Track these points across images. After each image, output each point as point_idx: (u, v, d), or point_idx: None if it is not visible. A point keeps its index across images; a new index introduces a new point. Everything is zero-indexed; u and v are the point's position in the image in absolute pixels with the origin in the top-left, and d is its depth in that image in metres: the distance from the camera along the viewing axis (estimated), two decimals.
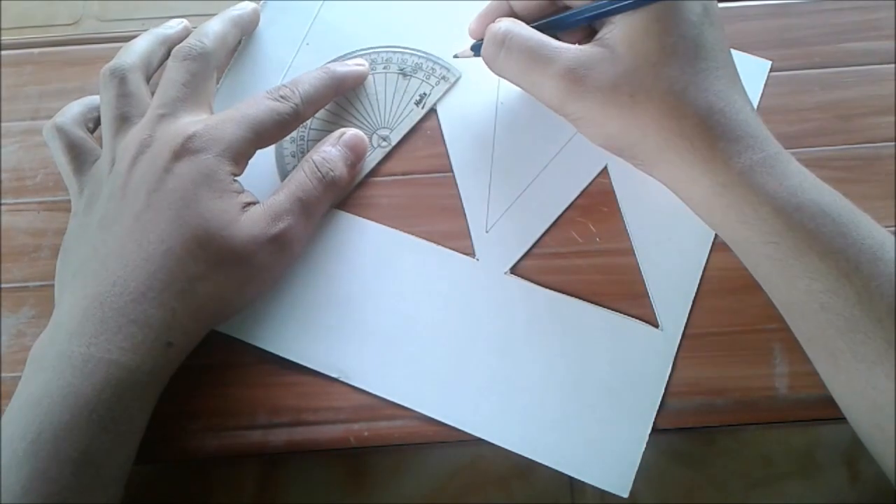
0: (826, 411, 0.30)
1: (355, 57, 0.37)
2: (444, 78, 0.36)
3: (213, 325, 0.31)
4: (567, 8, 0.32)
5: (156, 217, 0.29)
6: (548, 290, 0.33)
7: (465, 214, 0.34)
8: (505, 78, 0.33)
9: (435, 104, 0.36)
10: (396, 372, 0.32)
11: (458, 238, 0.34)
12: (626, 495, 0.30)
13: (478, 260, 0.34)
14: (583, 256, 0.34)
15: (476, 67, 0.36)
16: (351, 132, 0.34)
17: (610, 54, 0.29)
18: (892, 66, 0.37)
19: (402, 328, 0.33)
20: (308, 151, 0.35)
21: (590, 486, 0.30)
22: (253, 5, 0.37)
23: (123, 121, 0.32)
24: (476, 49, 0.34)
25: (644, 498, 0.31)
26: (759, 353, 0.32)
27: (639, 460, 0.30)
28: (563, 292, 0.33)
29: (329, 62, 0.36)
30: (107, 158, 0.31)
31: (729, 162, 0.28)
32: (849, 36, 0.37)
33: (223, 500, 0.37)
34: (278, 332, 0.32)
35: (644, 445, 0.31)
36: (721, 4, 0.38)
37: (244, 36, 0.37)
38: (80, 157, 0.32)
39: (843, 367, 0.27)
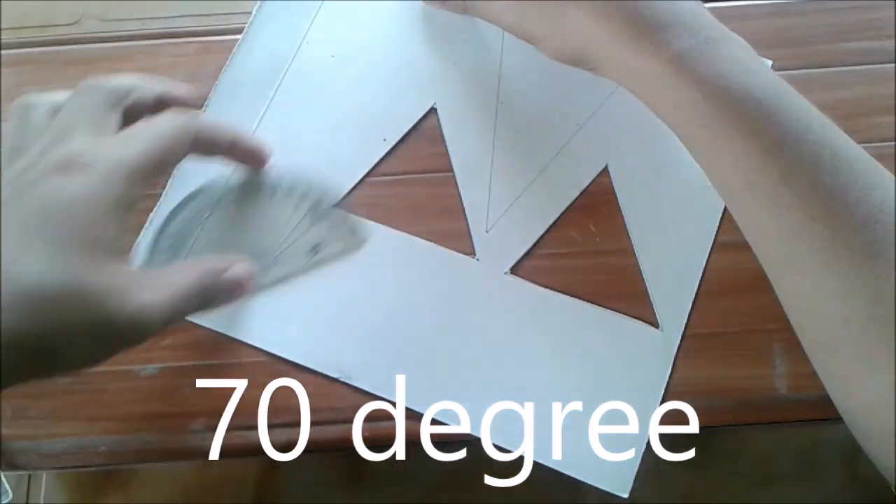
0: (826, 411, 0.30)
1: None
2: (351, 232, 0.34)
3: None
4: None
5: None
6: (548, 291, 0.33)
7: (465, 214, 0.34)
8: (458, 10, 0.36)
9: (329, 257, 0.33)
10: (396, 372, 0.32)
11: (458, 238, 0.34)
12: (626, 495, 0.30)
13: (478, 260, 0.34)
14: (583, 256, 0.34)
15: (475, 67, 0.36)
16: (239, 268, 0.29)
17: None
18: (892, 66, 0.37)
19: (402, 328, 0.33)
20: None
21: (590, 486, 0.30)
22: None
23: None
24: None
25: (644, 498, 0.31)
26: (759, 353, 0.32)
27: (639, 460, 0.30)
28: (564, 292, 0.33)
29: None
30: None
31: (659, 52, 0.28)
32: (849, 36, 0.37)
33: (223, 500, 0.37)
34: (279, 332, 0.32)
35: (645, 445, 0.31)
36: (721, 4, 0.38)
37: None
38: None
39: (769, 241, 0.28)
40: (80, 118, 0.27)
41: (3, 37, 0.39)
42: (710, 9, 0.38)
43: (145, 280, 0.26)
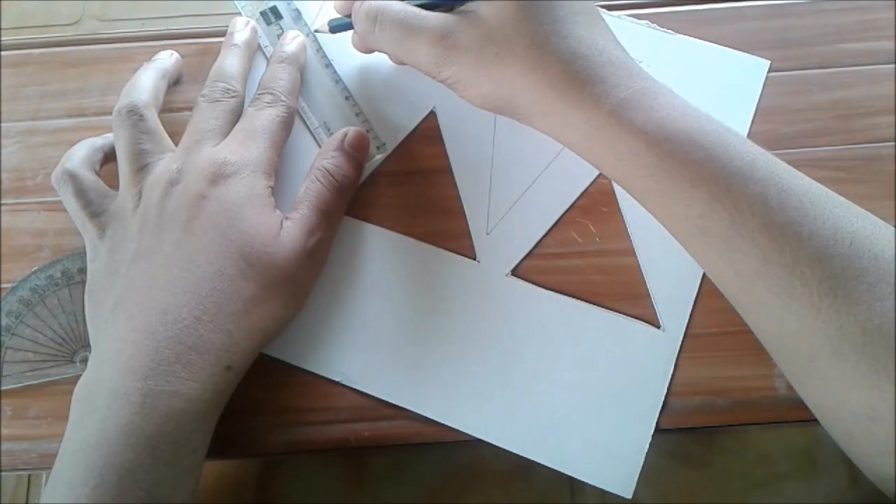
0: None
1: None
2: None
3: (264, 345, 0.31)
4: None
5: (198, 242, 0.29)
6: (549, 292, 0.33)
7: (465, 216, 0.34)
8: (380, 51, 0.34)
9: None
10: (398, 375, 0.32)
11: (458, 238, 0.34)
12: (629, 496, 0.30)
13: (479, 262, 0.34)
14: (583, 257, 0.34)
15: None
16: (353, 132, 0.34)
17: (474, 17, 0.30)
18: (892, 66, 0.37)
19: (403, 331, 0.33)
20: None
21: (590, 486, 0.30)
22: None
23: (144, 157, 0.31)
24: (334, 27, 0.35)
25: (644, 498, 0.31)
26: (759, 353, 0.32)
27: (642, 461, 0.30)
28: (564, 293, 0.33)
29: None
30: (129, 195, 0.31)
31: (598, 104, 0.28)
32: (849, 36, 0.37)
33: (224, 500, 0.37)
34: (280, 336, 0.32)
35: (647, 446, 0.31)
36: (721, 4, 0.38)
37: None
38: (95, 200, 0.31)
39: (728, 285, 0.28)
40: (213, 126, 0.32)
41: (3, 37, 0.39)
42: (710, 10, 0.38)
43: (297, 228, 0.31)
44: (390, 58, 0.35)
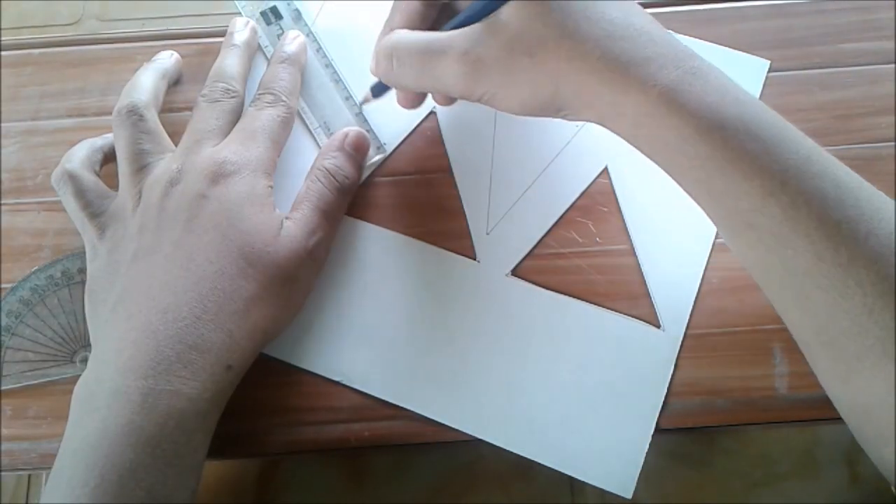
0: (826, 411, 0.30)
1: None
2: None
3: (264, 344, 0.31)
4: (451, 11, 0.31)
5: (199, 241, 0.29)
6: (549, 292, 0.33)
7: (465, 216, 0.34)
8: (409, 88, 0.32)
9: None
10: (398, 375, 0.32)
11: (458, 238, 0.34)
12: (629, 496, 0.30)
13: (479, 262, 0.34)
14: (583, 257, 0.34)
15: None
16: (353, 132, 0.34)
17: (496, 24, 0.28)
18: (892, 66, 0.37)
19: (403, 331, 0.33)
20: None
21: (590, 485, 0.30)
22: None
23: (144, 157, 0.31)
24: (375, 90, 0.34)
25: (644, 497, 0.31)
26: (759, 353, 0.32)
27: (642, 461, 0.30)
28: (564, 293, 0.33)
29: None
30: (129, 195, 0.31)
31: (645, 87, 0.26)
32: (849, 36, 0.37)
33: (224, 500, 0.37)
34: (280, 336, 0.32)
35: (647, 446, 0.31)
36: (721, 4, 0.38)
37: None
38: (95, 200, 0.31)
39: (774, 280, 0.27)
40: (213, 126, 0.32)
41: (3, 37, 0.39)
42: (710, 10, 0.38)
43: (298, 228, 0.31)
44: (434, 99, 0.33)
